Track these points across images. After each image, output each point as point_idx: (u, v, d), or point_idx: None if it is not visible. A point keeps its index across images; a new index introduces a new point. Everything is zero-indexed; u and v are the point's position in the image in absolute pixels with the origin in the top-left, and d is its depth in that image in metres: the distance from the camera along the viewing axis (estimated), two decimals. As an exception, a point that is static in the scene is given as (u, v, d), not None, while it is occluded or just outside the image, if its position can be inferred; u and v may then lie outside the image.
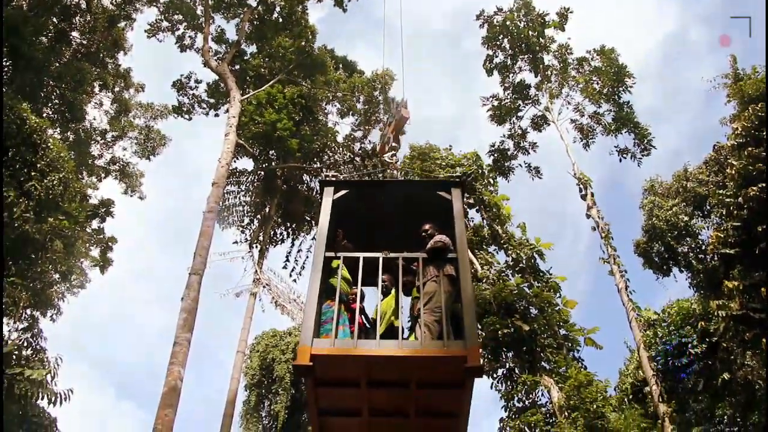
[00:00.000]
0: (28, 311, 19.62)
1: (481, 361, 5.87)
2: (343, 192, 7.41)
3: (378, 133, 21.58)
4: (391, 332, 6.52)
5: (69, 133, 25.65)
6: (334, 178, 8.02)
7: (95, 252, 27.20)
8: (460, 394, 6.09)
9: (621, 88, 26.60)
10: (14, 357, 16.37)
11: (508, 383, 19.47)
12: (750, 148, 22.54)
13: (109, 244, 27.32)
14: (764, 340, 20.24)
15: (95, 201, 26.79)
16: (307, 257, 21.67)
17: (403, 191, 8.21)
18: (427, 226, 7.26)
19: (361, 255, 6.69)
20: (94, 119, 27.62)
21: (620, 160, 27.53)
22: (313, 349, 5.70)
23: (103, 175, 28.00)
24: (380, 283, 6.83)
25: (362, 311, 6.97)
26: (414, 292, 6.93)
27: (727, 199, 23.16)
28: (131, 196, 28.49)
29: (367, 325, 7.07)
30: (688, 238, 30.93)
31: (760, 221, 21.48)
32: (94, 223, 26.84)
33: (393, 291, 6.99)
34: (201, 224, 14.41)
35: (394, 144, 9.93)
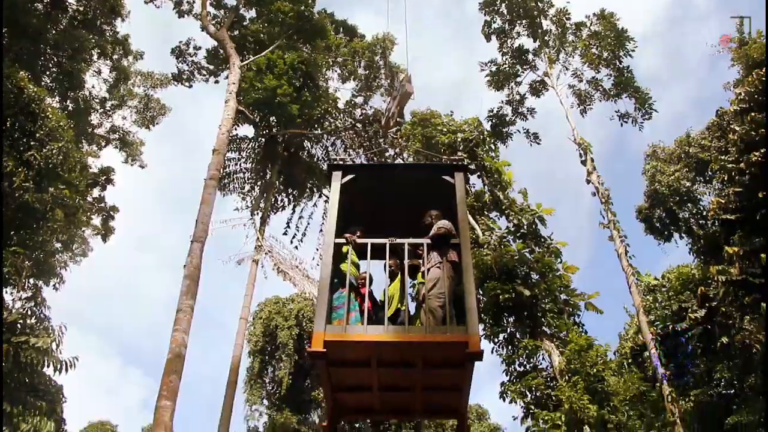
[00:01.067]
0: (31, 280, 19.72)
1: (481, 346, 6.19)
2: (350, 176, 7.54)
3: (379, 98, 21.50)
4: (397, 314, 6.98)
5: (68, 102, 25.49)
6: (342, 162, 8.05)
7: (96, 221, 27.25)
8: (461, 373, 6.51)
9: (621, 53, 26.31)
10: (19, 325, 16.49)
11: (509, 348, 19.63)
12: (753, 113, 22.40)
13: (111, 212, 27.35)
14: (763, 304, 20.36)
15: (95, 170, 26.75)
16: (308, 224, 21.74)
17: (408, 174, 8.39)
18: (431, 213, 7.43)
19: (369, 241, 6.88)
20: (93, 87, 27.46)
21: (621, 125, 27.40)
22: (326, 335, 6.03)
23: (103, 143, 27.91)
24: (387, 268, 7.04)
25: (371, 294, 7.24)
26: (419, 276, 7.11)
27: (729, 165, 23.09)
28: (132, 165, 28.46)
29: (375, 305, 7.29)
30: (689, 204, 30.98)
31: (761, 187, 21.45)
32: (95, 192, 26.83)
33: (399, 275, 7.23)
34: (202, 192, 14.39)
35: (398, 119, 10.05)
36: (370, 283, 7.19)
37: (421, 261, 6.99)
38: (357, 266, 7.29)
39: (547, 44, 28.31)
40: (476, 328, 6.23)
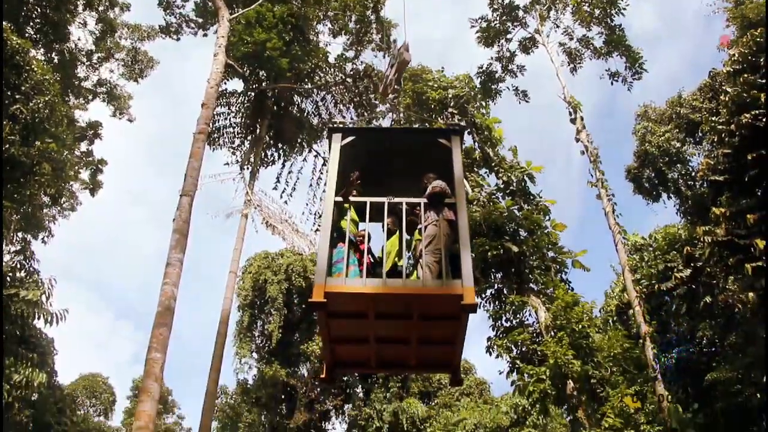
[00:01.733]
0: (20, 234, 19.71)
1: (476, 299, 6.45)
2: (350, 138, 7.68)
3: (370, 53, 21.27)
4: (395, 270, 7.18)
5: (53, 55, 25.06)
6: (341, 125, 8.19)
7: (85, 175, 27.11)
8: (456, 325, 6.79)
9: (613, 11, 25.98)
10: (8, 278, 16.54)
11: (497, 303, 19.86)
12: (746, 75, 22.35)
13: (99, 166, 27.20)
14: (747, 265, 20.61)
15: (83, 124, 26.48)
16: (298, 179, 21.66)
17: (406, 138, 8.69)
18: (428, 175, 7.64)
19: (368, 200, 7.08)
20: (79, 40, 26.90)
21: (611, 84, 27.24)
22: (327, 287, 6.27)
23: (90, 97, 27.55)
24: (385, 226, 7.32)
25: (369, 251, 7.43)
26: (416, 234, 7.33)
27: (720, 126, 23.11)
28: (120, 118, 28.18)
29: (374, 261, 7.54)
30: (678, 165, 31.13)
31: (750, 149, 21.54)
32: (83, 146, 26.64)
33: (396, 232, 7.45)
34: (191, 146, 14.28)
35: (396, 86, 10.21)
36: (368, 240, 7.34)
37: (418, 219, 7.23)
38: (356, 223, 7.52)
39: (539, 1, 27.93)
40: (471, 282, 6.41)
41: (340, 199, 7.16)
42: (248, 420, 36.60)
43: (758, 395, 24.51)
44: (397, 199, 7.16)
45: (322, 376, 7.81)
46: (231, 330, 37.41)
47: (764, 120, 21.15)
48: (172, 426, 50.57)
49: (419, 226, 7.20)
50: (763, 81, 21.72)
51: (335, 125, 8.17)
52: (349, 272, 6.77)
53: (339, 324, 6.85)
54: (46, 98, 18.19)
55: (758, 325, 24.43)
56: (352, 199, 7.23)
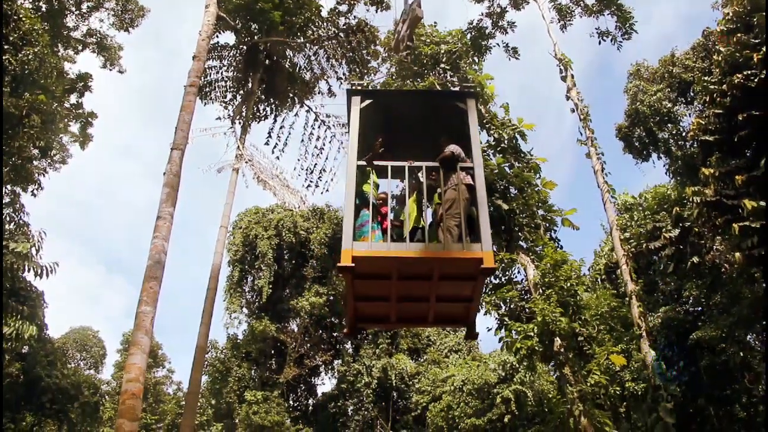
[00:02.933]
0: (9, 186, 19.58)
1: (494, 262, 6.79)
2: (368, 101, 7.85)
3: (363, 7, 20.92)
4: (414, 232, 7.53)
5: (41, 3, 24.54)
6: (360, 87, 8.28)
7: (75, 128, 26.81)
8: (474, 285, 7.20)
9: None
10: (-3, 230, 16.48)
11: (486, 261, 19.95)
12: (739, 35, 22.22)
13: (89, 119, 26.90)
14: (734, 225, 20.79)
15: (72, 75, 26.07)
16: (290, 134, 21.48)
17: (422, 100, 8.90)
18: (442, 138, 7.82)
19: (390, 163, 7.31)
20: (68, -13, 26.32)
21: (599, 43, 26.99)
22: (354, 251, 6.63)
23: (79, 48, 27.07)
24: (406, 189, 7.48)
25: (389, 213, 7.72)
26: (436, 197, 7.62)
27: (712, 86, 23.05)
28: (110, 70, 27.74)
29: (396, 223, 7.78)
30: (669, 125, 31.10)
31: (741, 109, 21.54)
32: (73, 98, 26.26)
33: (415, 194, 7.72)
34: (182, 99, 14.13)
35: (408, 43, 10.39)
36: (390, 203, 7.66)
37: (436, 183, 7.49)
38: (377, 187, 7.76)
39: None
40: (490, 246, 6.76)
41: (363, 163, 7.36)
42: (238, 374, 36.97)
43: (741, 354, 25.02)
44: (417, 164, 7.39)
45: (345, 331, 8.17)
46: (221, 285, 37.68)
47: (756, 80, 21.15)
48: (162, 380, 51.11)
49: (438, 191, 7.47)
50: (757, 41, 21.63)
51: (354, 87, 8.24)
52: (374, 236, 7.12)
53: (363, 284, 7.11)
54: (35, 49, 17.91)
55: (744, 285, 24.82)
56: (375, 163, 7.44)
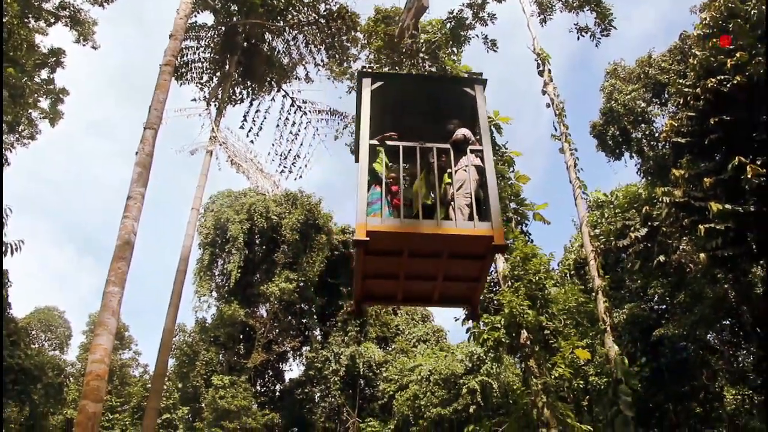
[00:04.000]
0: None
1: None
2: (378, 84, 7.99)
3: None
4: (423, 209, 7.57)
5: (10, -29, 23.95)
6: (371, 70, 8.42)
7: (44, 103, 26.30)
8: (482, 264, 7.44)
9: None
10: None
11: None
12: (715, 40, 22.56)
13: (60, 95, 26.40)
14: (700, 226, 21.17)
15: (44, 50, 25.55)
16: (265, 118, 21.33)
17: (431, 85, 9.13)
18: (452, 121, 8.06)
19: (401, 144, 7.42)
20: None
21: (578, 38, 27.05)
22: (368, 225, 6.72)
23: (52, 20, 26.50)
24: (418, 167, 7.53)
25: (398, 193, 7.85)
26: (446, 177, 7.74)
27: (686, 89, 23.40)
28: (84, 45, 27.17)
29: (405, 203, 7.88)
30: (643, 125, 31.49)
31: (713, 113, 21.90)
32: (44, 73, 25.75)
33: (423, 174, 7.78)
34: (157, 77, 13.95)
35: (413, 31, 10.69)
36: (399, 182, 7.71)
37: (445, 163, 7.67)
38: (387, 165, 7.83)
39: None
40: (500, 224, 6.98)
41: (375, 142, 7.47)
42: (205, 358, 36.82)
43: (700, 352, 25.58)
44: (428, 145, 7.48)
45: (351, 309, 8.37)
46: (191, 268, 37.41)
47: (728, 86, 21.51)
48: (129, 361, 50.62)
49: (448, 171, 7.65)
50: (731, 47, 21.97)
51: (365, 70, 8.41)
52: (384, 213, 7.18)
53: (373, 260, 7.21)
54: (4, 20, 17.50)
55: (707, 285, 25.33)
56: (387, 143, 7.55)
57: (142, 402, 42.36)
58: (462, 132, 7.74)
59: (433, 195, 7.57)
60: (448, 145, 7.58)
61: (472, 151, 7.56)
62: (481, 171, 7.46)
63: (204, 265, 38.41)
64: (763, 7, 22.13)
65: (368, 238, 6.63)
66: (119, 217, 11.30)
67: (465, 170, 7.43)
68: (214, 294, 38.89)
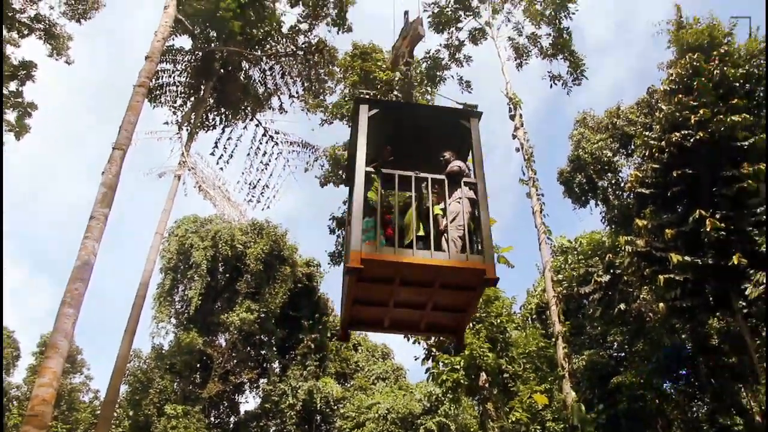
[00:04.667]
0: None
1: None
2: (375, 111, 8.05)
3: (324, 28, 20.95)
4: (414, 241, 7.52)
5: (-18, -22, 23.59)
6: (368, 96, 8.45)
7: (11, 116, 25.87)
8: (472, 295, 7.52)
9: (563, 13, 26.32)
10: None
11: (421, 291, 19.99)
12: (680, 95, 23.26)
13: (28, 109, 26.01)
14: (660, 276, 21.55)
15: (15, 62, 25.22)
16: (236, 146, 21.26)
17: (426, 114, 9.19)
18: (446, 153, 8.14)
19: (397, 172, 7.43)
20: (14, -32, 25.44)
21: (551, 86, 27.68)
22: (363, 254, 6.73)
23: (25, 32, 26.21)
24: (413, 200, 7.66)
25: (391, 222, 7.80)
26: (436, 208, 7.70)
27: (651, 141, 24.01)
28: (57, 59, 26.92)
29: (395, 232, 7.81)
30: (609, 174, 32.14)
31: (677, 166, 22.49)
32: (12, 86, 25.38)
33: (415, 204, 7.78)
34: (130, 98, 13.86)
35: (408, 59, 10.74)
36: (391, 212, 7.74)
37: (439, 194, 7.74)
38: (380, 194, 7.79)
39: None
40: (492, 258, 7.05)
41: (371, 169, 7.48)
42: (160, 386, 35.91)
43: (656, 401, 25.78)
44: (423, 175, 7.56)
45: (339, 334, 8.30)
46: (151, 293, 36.73)
47: (692, 140, 22.13)
48: (79, 386, 49.07)
49: (442, 204, 7.67)
50: (695, 103, 22.67)
51: (362, 96, 8.42)
52: (378, 243, 7.17)
53: (364, 287, 7.21)
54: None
55: (665, 334, 25.68)
56: (383, 171, 7.56)
57: (90, 429, 41.09)
58: (458, 164, 7.83)
59: (425, 226, 7.60)
60: (443, 176, 7.66)
61: (465, 184, 7.64)
62: (474, 204, 7.56)
63: (164, 291, 37.73)
64: (725, 68, 22.98)
65: (362, 266, 6.65)
66: (80, 237, 11.08)
67: (459, 202, 7.50)
68: (173, 320, 38.16)
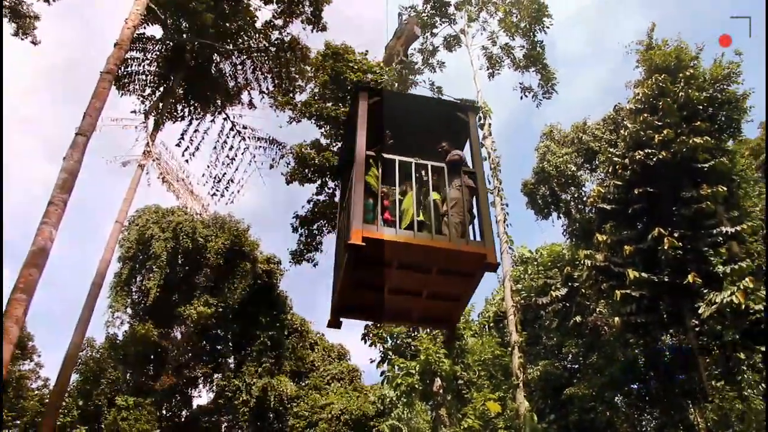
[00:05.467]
0: None
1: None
2: (375, 99, 8.07)
3: (299, 25, 20.87)
4: (411, 226, 7.45)
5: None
6: (370, 85, 8.45)
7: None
8: (469, 282, 7.45)
9: (537, 27, 26.58)
10: None
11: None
12: (645, 115, 23.70)
13: (-10, 86, 25.40)
14: (617, 291, 21.90)
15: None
16: (203, 139, 21.05)
17: (423, 105, 9.17)
18: (444, 143, 8.19)
19: (398, 158, 7.46)
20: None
21: (521, 98, 27.93)
22: (364, 232, 6.62)
23: (-10, 10, 25.56)
24: (413, 186, 7.58)
25: (389, 208, 7.90)
26: (434, 194, 7.76)
27: (615, 158, 24.41)
28: (23, 39, 26.35)
29: (392, 219, 7.82)
30: (572, 188, 32.56)
31: (639, 184, 22.91)
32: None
33: (413, 191, 7.71)
34: (96, 84, 13.63)
35: (402, 57, 10.80)
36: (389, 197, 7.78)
37: (437, 182, 7.78)
38: (378, 180, 7.78)
39: (470, 1, 28.13)
40: (493, 243, 7.04)
41: (372, 153, 7.49)
42: (112, 377, 35.27)
43: (607, 413, 26.18)
44: (423, 162, 7.60)
45: (328, 320, 8.08)
46: (108, 282, 36.09)
47: (655, 159, 22.58)
48: (28, 374, 47.95)
49: (442, 191, 7.69)
50: (660, 123, 23.12)
51: (363, 84, 8.52)
52: (378, 223, 7.10)
53: (362, 270, 7.07)
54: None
55: (619, 348, 26.09)
56: (384, 156, 7.57)
57: (37, 418, 40.20)
58: (458, 153, 7.94)
59: (423, 211, 7.60)
60: (441, 164, 7.68)
61: (465, 173, 7.68)
62: (473, 192, 7.62)
63: (121, 280, 37.05)
64: (690, 91, 23.50)
65: (364, 244, 6.52)
66: (35, 221, 10.85)
67: (458, 189, 7.52)
68: (129, 311, 37.50)
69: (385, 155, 7.60)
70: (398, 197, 7.40)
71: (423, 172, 7.69)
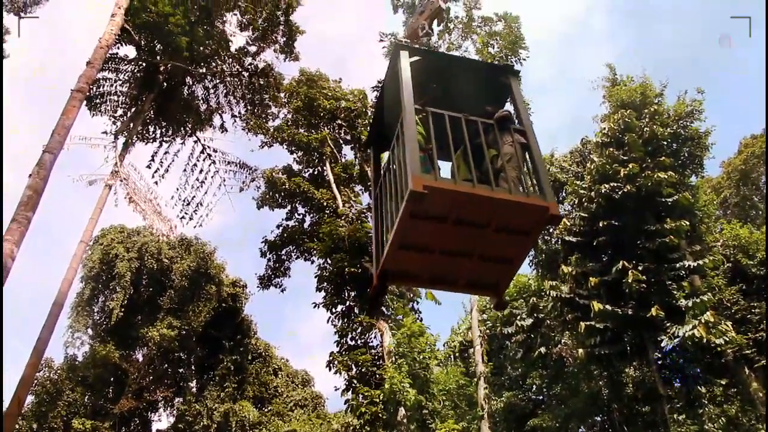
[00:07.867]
0: None
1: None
2: (416, 58, 7.77)
3: (272, 53, 20.96)
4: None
5: None
6: (407, 43, 8.34)
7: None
8: (525, 242, 7.17)
9: (515, 58, 26.97)
10: None
11: (345, 320, 19.98)
12: (611, 149, 24.18)
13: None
14: (582, 323, 22.12)
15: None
16: (173, 161, 20.95)
17: (464, 68, 8.88)
18: (488, 107, 7.93)
19: (446, 113, 7.08)
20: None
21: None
22: (425, 180, 6.10)
23: (-44, 21, 25.21)
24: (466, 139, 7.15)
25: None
26: (490, 150, 7.34)
27: (581, 191, 24.79)
28: (-8, 51, 26.03)
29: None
30: (539, 219, 32.85)
31: (604, 217, 23.29)
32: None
33: (461, 150, 7.30)
34: (66, 102, 13.55)
35: (428, 30, 10.34)
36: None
37: (487, 138, 7.38)
38: (424, 137, 7.48)
39: (450, 31, 28.45)
40: (553, 197, 6.71)
41: (419, 107, 7.13)
42: (69, 399, 34.42)
43: (571, 445, 26.26)
44: (473, 117, 7.25)
45: (371, 287, 7.71)
46: (70, 302, 35.41)
47: (620, 193, 23.01)
48: (-19, 394, 46.71)
49: (495, 147, 7.37)
50: (625, 157, 23.60)
51: (401, 43, 8.33)
52: (435, 175, 6.65)
53: (415, 227, 6.63)
54: None
55: (583, 380, 26.29)
56: (431, 109, 7.22)
57: (-10, 440, 38.97)
58: (507, 109, 7.83)
59: (473, 168, 7.06)
60: (490, 121, 7.42)
61: (515, 130, 7.48)
62: (525, 148, 7.36)
63: (83, 300, 36.40)
64: (654, 126, 24.08)
65: (426, 191, 6.00)
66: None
67: (511, 145, 7.31)
68: (90, 331, 36.79)
69: (433, 110, 7.22)
70: (452, 149, 6.96)
71: (471, 130, 7.22)
